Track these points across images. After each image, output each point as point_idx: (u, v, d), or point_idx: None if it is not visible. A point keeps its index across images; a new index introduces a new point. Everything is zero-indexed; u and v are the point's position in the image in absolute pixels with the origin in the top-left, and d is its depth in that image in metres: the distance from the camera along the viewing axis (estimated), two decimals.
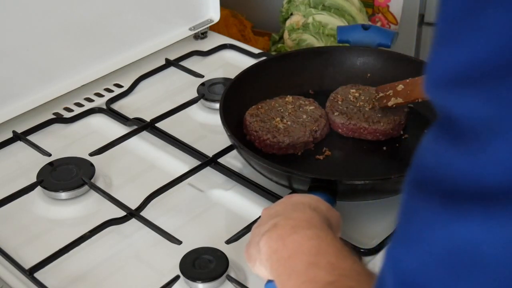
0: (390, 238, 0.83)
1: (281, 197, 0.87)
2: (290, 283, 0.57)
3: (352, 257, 0.57)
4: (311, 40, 1.36)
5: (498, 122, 0.32)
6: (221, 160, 0.96)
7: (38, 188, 0.91)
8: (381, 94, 0.98)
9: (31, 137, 1.02)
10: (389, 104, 0.95)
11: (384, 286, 0.38)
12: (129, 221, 0.86)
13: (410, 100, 0.94)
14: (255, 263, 0.64)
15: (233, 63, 1.23)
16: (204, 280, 0.76)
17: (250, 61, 1.20)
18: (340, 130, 0.98)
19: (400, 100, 0.95)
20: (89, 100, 1.12)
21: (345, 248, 0.58)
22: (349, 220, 0.87)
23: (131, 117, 1.06)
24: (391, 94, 0.96)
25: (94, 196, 0.91)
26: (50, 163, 0.95)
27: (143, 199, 0.88)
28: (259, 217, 0.84)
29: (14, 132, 1.02)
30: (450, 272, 0.34)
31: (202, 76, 1.17)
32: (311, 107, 0.99)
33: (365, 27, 1.04)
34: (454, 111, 0.35)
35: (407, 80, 0.95)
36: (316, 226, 0.62)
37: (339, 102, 1.00)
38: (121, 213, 0.87)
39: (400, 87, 0.95)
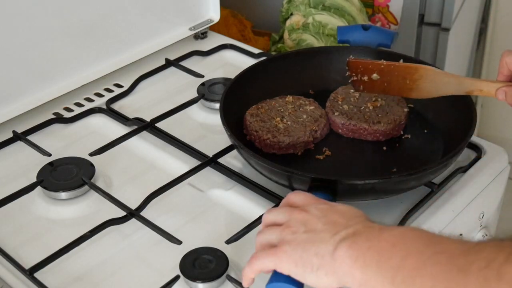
0: None
1: (282, 197, 0.87)
2: (408, 262, 0.55)
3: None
4: (311, 40, 1.36)
5: None
6: (221, 160, 0.96)
7: (38, 188, 0.91)
8: (354, 78, 0.94)
9: (31, 137, 1.02)
10: (362, 90, 0.94)
11: None
12: (129, 221, 0.86)
13: (389, 94, 0.95)
14: (315, 271, 0.62)
15: (233, 63, 1.23)
16: (204, 280, 0.76)
17: (250, 61, 1.20)
18: (340, 130, 0.98)
19: (374, 91, 0.94)
20: (89, 100, 1.12)
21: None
22: None
23: (131, 117, 1.06)
24: (366, 80, 0.93)
25: (94, 196, 0.91)
26: (50, 163, 0.95)
27: (143, 199, 0.88)
28: (260, 217, 0.84)
29: (14, 132, 1.02)
30: None
31: (202, 76, 1.17)
32: (311, 107, 0.99)
33: (365, 27, 1.04)
34: None
35: (382, 66, 0.91)
36: (392, 226, 0.61)
37: (339, 102, 1.00)
38: (121, 213, 0.87)
39: (375, 76, 0.92)
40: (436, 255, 0.54)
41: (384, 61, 0.91)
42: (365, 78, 0.93)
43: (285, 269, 0.64)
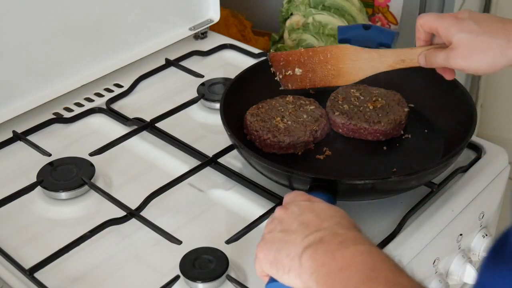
0: (389, 237, 0.83)
1: (282, 197, 0.87)
2: None
3: (407, 274, 0.56)
4: (311, 40, 1.36)
5: None
6: (221, 160, 0.96)
7: (38, 188, 0.91)
8: (279, 76, 0.93)
9: (31, 137, 1.02)
10: (291, 87, 0.93)
11: None
12: (129, 221, 0.86)
13: (317, 86, 0.92)
14: (287, 273, 0.63)
15: (233, 63, 1.23)
16: (204, 280, 0.76)
17: (250, 61, 1.20)
18: (340, 130, 0.98)
19: (302, 85, 0.93)
20: (89, 100, 1.12)
21: (398, 265, 0.58)
22: None
23: (131, 117, 1.06)
24: (291, 74, 0.93)
25: (94, 196, 0.91)
26: (50, 163, 0.95)
27: (143, 199, 0.88)
28: (260, 217, 0.84)
29: (14, 132, 1.02)
30: None
31: (202, 76, 1.17)
32: (312, 107, 0.99)
33: (366, 27, 1.04)
34: None
35: (300, 54, 0.90)
36: (365, 242, 0.61)
37: (340, 102, 1.00)
38: (121, 213, 0.87)
39: (297, 70, 0.92)
40: None
41: (302, 49, 0.91)
42: (289, 72, 0.92)
43: (265, 270, 0.65)
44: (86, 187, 0.91)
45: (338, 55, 0.88)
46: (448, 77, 0.86)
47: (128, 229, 0.86)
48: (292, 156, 0.94)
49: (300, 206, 0.67)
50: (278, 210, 0.69)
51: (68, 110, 1.10)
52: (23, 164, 0.98)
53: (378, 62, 0.87)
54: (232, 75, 1.03)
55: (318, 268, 0.59)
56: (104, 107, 1.09)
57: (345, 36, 1.05)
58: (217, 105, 1.00)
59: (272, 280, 0.66)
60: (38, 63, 1.06)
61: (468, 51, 0.78)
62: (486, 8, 2.01)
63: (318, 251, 0.60)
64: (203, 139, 1.02)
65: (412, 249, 0.84)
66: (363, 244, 0.60)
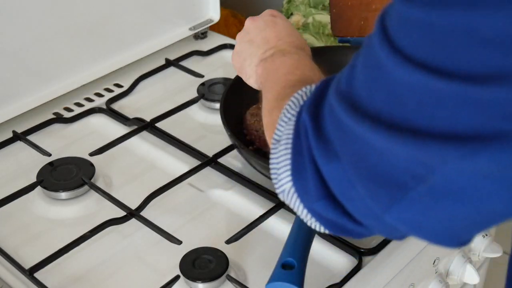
0: (388, 238, 0.83)
1: None
2: (273, 87, 0.68)
3: (320, 72, 0.70)
4: (311, 40, 1.36)
5: None
6: (221, 160, 0.96)
7: (38, 188, 0.91)
8: (333, 11, 0.95)
9: (31, 137, 1.02)
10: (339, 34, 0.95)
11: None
12: (129, 221, 0.86)
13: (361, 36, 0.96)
14: (249, 79, 0.78)
15: None
16: (204, 280, 0.76)
17: None
18: None
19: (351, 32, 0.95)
20: (89, 100, 1.12)
21: (317, 68, 0.72)
22: None
23: (131, 117, 1.06)
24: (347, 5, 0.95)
25: (94, 196, 0.91)
26: (50, 163, 0.95)
27: (143, 199, 0.88)
28: (260, 216, 0.84)
29: (14, 132, 1.02)
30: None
31: (202, 76, 1.17)
32: None
33: None
34: None
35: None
36: (303, 55, 0.74)
37: None
38: (121, 213, 0.87)
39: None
40: (283, 89, 0.65)
41: None
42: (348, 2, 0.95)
43: (237, 73, 0.81)
44: (86, 187, 0.91)
45: None
46: None
47: (128, 229, 0.86)
48: None
49: (265, 21, 0.79)
50: (247, 21, 0.79)
51: (68, 110, 1.10)
52: (23, 164, 0.98)
53: None
54: (232, 75, 1.03)
55: (263, 72, 0.73)
56: (104, 107, 1.09)
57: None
58: (217, 105, 1.00)
59: (272, 280, 0.66)
60: (38, 63, 1.07)
61: None
62: None
63: (268, 61, 0.73)
64: (203, 139, 1.03)
65: (412, 249, 0.84)
66: (298, 54, 0.73)
